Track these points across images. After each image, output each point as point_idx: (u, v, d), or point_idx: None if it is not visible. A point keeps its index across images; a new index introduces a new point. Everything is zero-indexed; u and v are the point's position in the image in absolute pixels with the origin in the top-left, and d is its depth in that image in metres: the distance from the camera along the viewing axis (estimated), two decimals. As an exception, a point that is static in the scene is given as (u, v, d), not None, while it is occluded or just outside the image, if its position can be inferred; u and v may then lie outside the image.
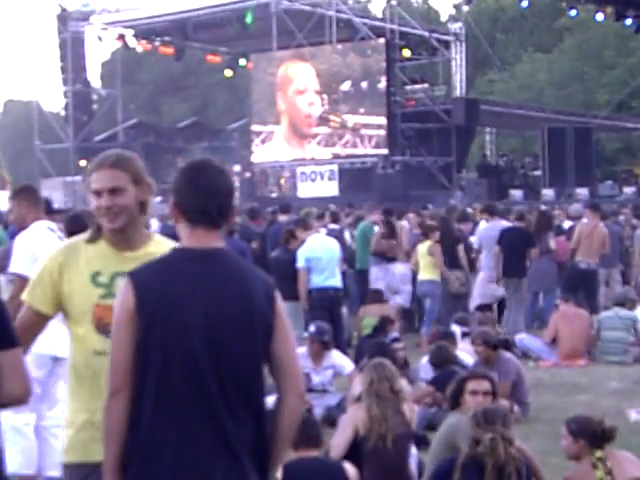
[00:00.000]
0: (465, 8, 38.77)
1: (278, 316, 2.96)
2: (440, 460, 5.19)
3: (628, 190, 27.98)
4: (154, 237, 3.42)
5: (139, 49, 37.20)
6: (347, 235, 14.20)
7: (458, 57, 34.87)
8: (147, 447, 2.79)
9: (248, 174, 31.96)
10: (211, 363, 2.81)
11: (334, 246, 10.77)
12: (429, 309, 12.47)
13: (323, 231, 12.06)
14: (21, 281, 5.38)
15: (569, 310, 11.32)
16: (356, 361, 8.88)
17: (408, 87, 32.15)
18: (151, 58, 50.31)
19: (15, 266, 5.51)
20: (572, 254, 13.29)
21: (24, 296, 3.41)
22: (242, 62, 37.26)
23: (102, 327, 3.26)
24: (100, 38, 35.19)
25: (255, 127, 32.97)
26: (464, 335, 9.99)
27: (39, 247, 5.54)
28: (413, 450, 6.14)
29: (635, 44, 41.59)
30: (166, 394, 2.79)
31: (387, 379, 5.98)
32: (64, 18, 35.37)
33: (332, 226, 13.79)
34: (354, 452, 5.83)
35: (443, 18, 51.92)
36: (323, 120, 30.66)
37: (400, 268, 12.94)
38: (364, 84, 30.36)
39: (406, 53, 32.18)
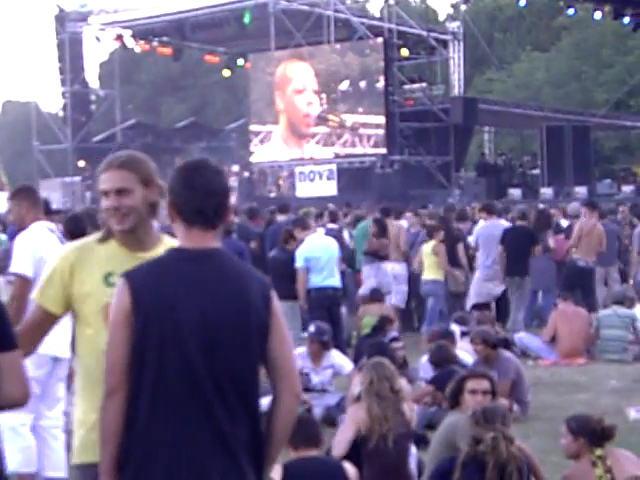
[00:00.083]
0: (463, 7, 38.77)
1: (274, 316, 2.95)
2: (440, 459, 5.19)
3: (627, 188, 27.98)
4: (164, 238, 3.41)
5: (137, 49, 37.14)
6: (346, 235, 14.18)
7: (456, 56, 34.84)
8: (143, 447, 2.78)
9: (247, 174, 31.94)
10: (207, 363, 2.80)
11: (333, 246, 10.76)
12: (431, 308, 12.46)
13: (321, 231, 12.03)
14: (21, 281, 5.39)
15: (568, 309, 11.32)
16: (355, 361, 8.87)
17: (406, 86, 32.16)
18: (149, 58, 50.24)
19: (15, 266, 5.50)
20: (568, 250, 13.32)
21: (34, 295, 3.41)
22: (240, 62, 37.24)
23: None
24: (98, 39, 35.19)
25: (253, 127, 32.97)
26: (463, 334, 9.97)
27: (39, 247, 5.55)
28: (413, 449, 6.14)
29: (633, 42, 41.58)
30: (162, 394, 2.79)
31: (387, 378, 5.98)
32: (62, 19, 35.35)
33: (331, 226, 13.78)
34: (354, 452, 5.82)
35: (441, 17, 52.08)
36: (322, 120, 30.65)
37: (396, 268, 12.92)
38: (362, 83, 30.35)
39: (404, 52, 32.22)
